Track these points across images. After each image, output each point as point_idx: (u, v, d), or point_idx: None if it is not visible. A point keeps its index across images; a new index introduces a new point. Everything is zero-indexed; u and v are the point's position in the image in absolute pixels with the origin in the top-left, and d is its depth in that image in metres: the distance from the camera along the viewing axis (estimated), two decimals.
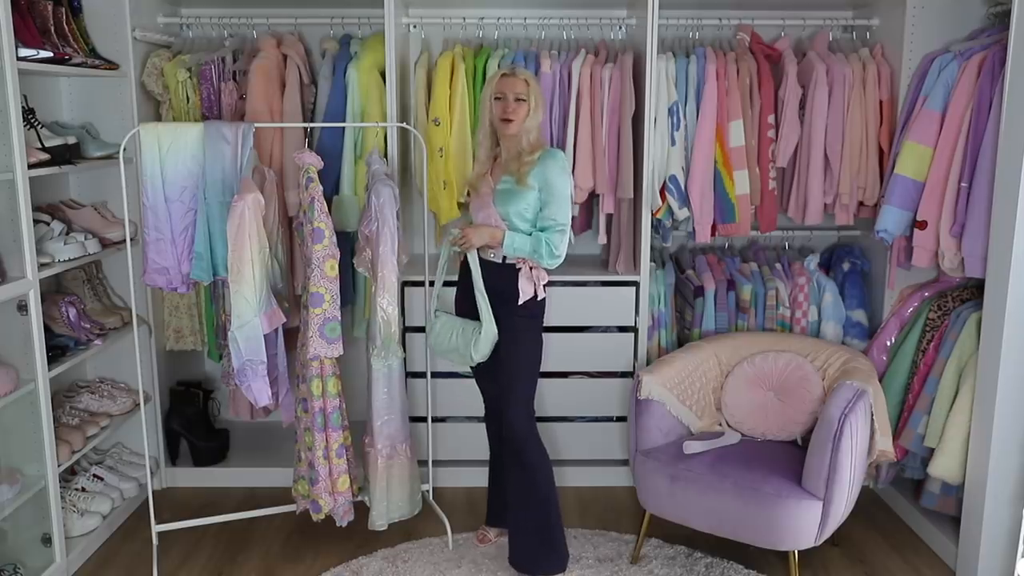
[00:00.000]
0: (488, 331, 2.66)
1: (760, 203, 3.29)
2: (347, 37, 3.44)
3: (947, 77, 2.83)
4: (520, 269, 2.66)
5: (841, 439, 2.48)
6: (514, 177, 2.63)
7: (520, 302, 2.66)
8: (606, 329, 3.31)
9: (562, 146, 3.25)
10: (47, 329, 2.74)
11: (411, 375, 3.26)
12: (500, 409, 2.73)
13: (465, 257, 2.72)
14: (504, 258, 2.67)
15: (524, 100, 2.61)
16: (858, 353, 3.01)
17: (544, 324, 2.81)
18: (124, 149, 2.65)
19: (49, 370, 2.68)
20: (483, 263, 2.69)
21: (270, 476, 3.39)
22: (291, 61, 3.27)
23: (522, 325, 2.70)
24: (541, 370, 2.78)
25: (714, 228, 3.29)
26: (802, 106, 3.24)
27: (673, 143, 3.17)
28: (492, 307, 2.66)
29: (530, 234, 2.63)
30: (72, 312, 2.94)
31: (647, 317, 3.31)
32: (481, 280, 2.66)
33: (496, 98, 2.64)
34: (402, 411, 2.87)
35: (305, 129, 3.17)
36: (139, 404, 3.05)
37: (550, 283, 2.74)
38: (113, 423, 3.12)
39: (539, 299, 2.70)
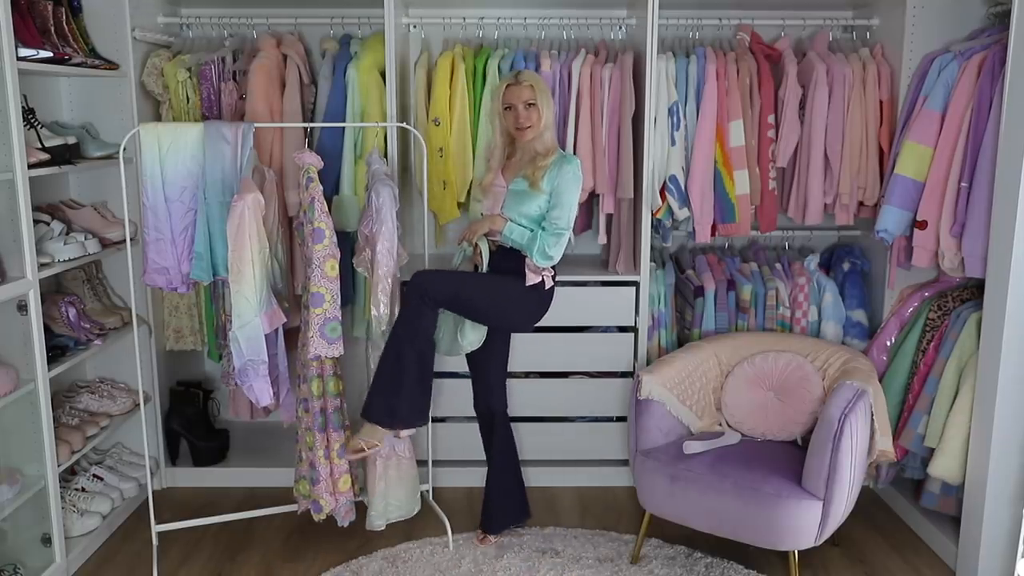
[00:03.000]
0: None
1: (760, 203, 3.29)
2: (347, 37, 3.44)
3: (947, 77, 2.83)
4: (527, 257, 2.71)
5: (841, 439, 2.49)
6: (528, 180, 2.68)
7: (527, 283, 2.72)
8: (606, 329, 3.31)
9: (562, 146, 3.25)
10: (47, 329, 2.74)
11: None
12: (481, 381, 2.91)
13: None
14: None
15: (535, 104, 2.66)
16: (858, 353, 3.01)
17: (544, 324, 2.82)
18: (124, 149, 2.65)
19: (49, 370, 2.68)
20: (495, 250, 2.75)
21: (270, 476, 3.39)
22: (291, 61, 3.27)
23: (531, 297, 2.74)
24: (540, 370, 2.79)
25: (714, 228, 3.29)
26: (802, 106, 3.24)
27: (673, 143, 3.17)
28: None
29: (532, 231, 2.68)
30: (72, 312, 2.94)
31: (647, 317, 3.31)
32: (486, 268, 2.73)
33: (506, 108, 2.69)
34: None
35: (305, 129, 3.17)
36: (139, 404, 3.05)
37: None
38: (113, 423, 3.12)
39: (547, 287, 2.76)
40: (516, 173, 2.75)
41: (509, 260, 2.74)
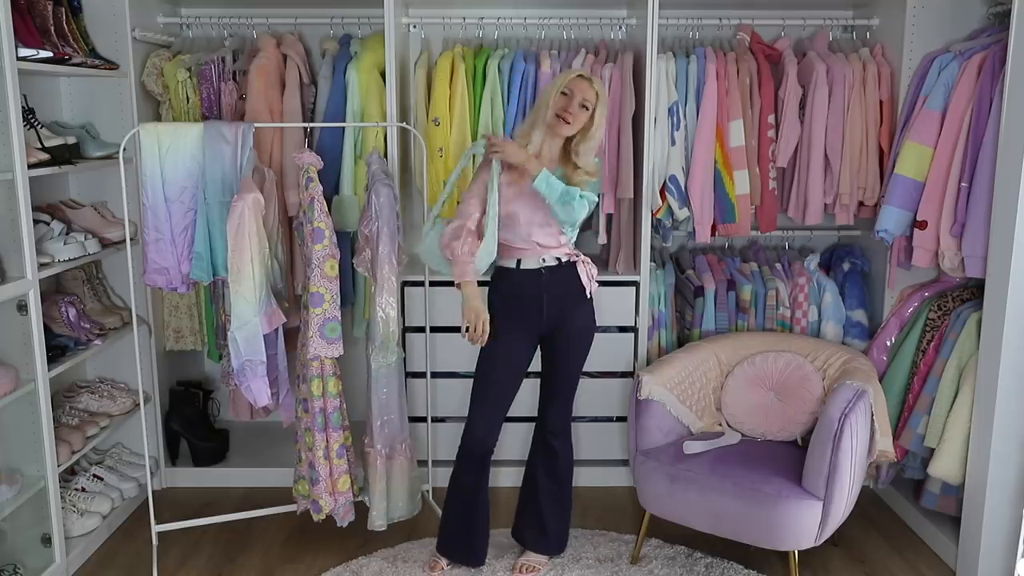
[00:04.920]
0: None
1: (760, 203, 3.29)
2: (347, 37, 3.44)
3: (947, 77, 2.83)
4: (576, 263, 2.62)
5: (841, 439, 2.48)
6: (566, 181, 2.53)
7: (587, 294, 2.65)
8: (606, 329, 3.31)
9: None
10: (47, 329, 2.74)
11: (411, 375, 3.27)
12: (544, 407, 2.78)
13: (499, 266, 2.63)
14: (559, 259, 2.59)
15: (587, 108, 2.48)
16: (858, 353, 3.01)
17: None
18: (124, 149, 2.64)
19: (49, 370, 2.68)
20: (542, 269, 2.59)
21: (270, 476, 3.39)
22: (291, 61, 3.27)
23: (591, 324, 2.71)
24: (540, 369, 2.78)
25: (714, 228, 3.29)
26: (802, 106, 3.24)
27: (673, 143, 3.17)
28: (562, 312, 2.61)
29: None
30: (72, 312, 2.94)
31: (647, 317, 3.31)
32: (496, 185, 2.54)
33: (562, 93, 2.48)
34: (401, 411, 2.87)
35: (305, 129, 3.17)
36: (139, 404, 3.05)
37: None
38: (113, 423, 3.12)
39: (596, 288, 2.70)
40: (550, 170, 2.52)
41: (562, 277, 2.60)
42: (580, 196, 2.47)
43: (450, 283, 3.13)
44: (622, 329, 3.31)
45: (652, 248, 3.32)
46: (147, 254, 2.71)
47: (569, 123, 2.48)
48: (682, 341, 3.40)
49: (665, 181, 3.19)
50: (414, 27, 3.54)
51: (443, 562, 2.81)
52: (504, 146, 2.49)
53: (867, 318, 3.35)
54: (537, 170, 2.46)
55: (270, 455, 3.52)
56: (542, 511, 2.79)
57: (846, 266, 3.44)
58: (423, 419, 3.23)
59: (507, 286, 2.63)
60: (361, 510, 2.93)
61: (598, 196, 2.61)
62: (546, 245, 2.58)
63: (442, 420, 3.35)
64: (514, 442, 3.27)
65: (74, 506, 2.96)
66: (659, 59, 3.13)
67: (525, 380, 2.73)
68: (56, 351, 2.80)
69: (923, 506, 3.04)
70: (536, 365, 2.76)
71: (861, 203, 3.31)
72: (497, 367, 2.64)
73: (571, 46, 3.42)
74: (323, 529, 3.03)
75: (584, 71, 2.56)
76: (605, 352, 3.29)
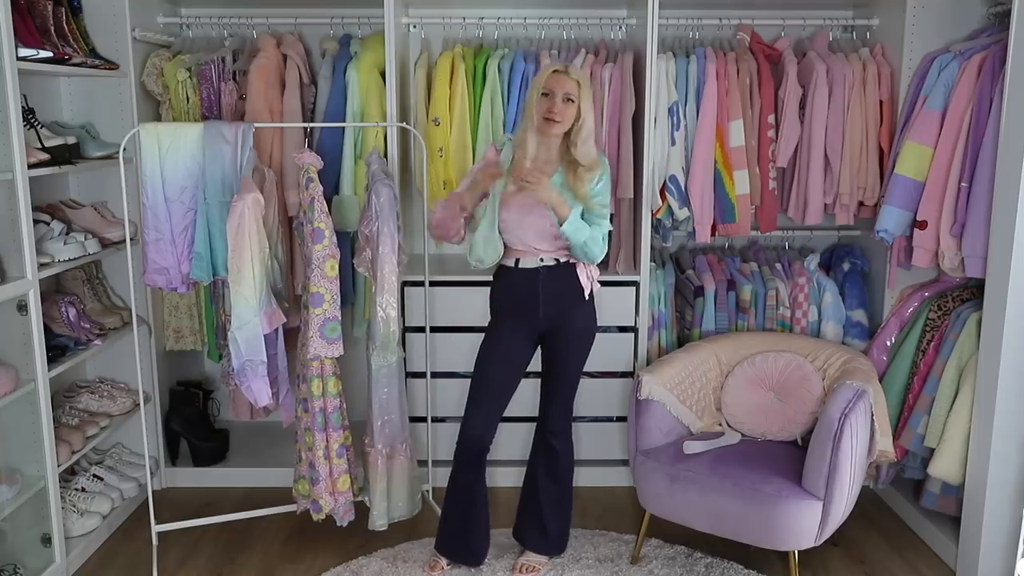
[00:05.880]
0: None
1: (760, 203, 3.29)
2: (347, 37, 3.44)
3: (947, 77, 2.83)
4: (576, 264, 2.60)
5: (841, 439, 2.48)
6: (567, 186, 2.50)
7: (586, 295, 2.63)
8: (606, 329, 3.31)
9: None
10: (47, 329, 2.74)
11: (411, 375, 3.26)
12: (544, 407, 2.77)
13: (499, 265, 2.63)
14: (557, 260, 2.58)
15: (573, 101, 2.45)
16: (858, 353, 3.01)
17: None
18: (124, 149, 2.64)
19: (49, 370, 2.68)
20: (539, 268, 2.58)
21: (270, 476, 3.39)
22: (291, 61, 3.27)
23: (591, 325, 2.70)
24: (539, 369, 2.78)
25: (714, 228, 3.29)
26: (802, 106, 3.24)
27: (673, 143, 3.17)
28: (560, 312, 2.61)
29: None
30: (72, 312, 2.94)
31: (647, 317, 3.31)
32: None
33: (543, 94, 2.46)
34: (402, 411, 2.87)
35: (305, 129, 3.17)
36: (139, 404, 3.05)
37: None
38: (113, 423, 3.12)
39: (597, 290, 2.68)
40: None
41: (560, 277, 2.59)
42: (602, 237, 2.49)
43: (450, 284, 3.14)
44: (622, 329, 3.31)
45: (652, 248, 3.32)
46: (147, 254, 2.71)
47: (558, 122, 2.46)
48: (682, 341, 3.40)
49: (665, 181, 3.19)
50: (414, 27, 3.54)
51: (443, 562, 2.81)
52: (539, 181, 2.41)
53: (867, 318, 3.35)
54: (567, 213, 2.44)
55: (270, 455, 3.52)
56: (542, 511, 2.79)
57: (846, 266, 3.44)
58: (423, 419, 3.23)
59: (505, 284, 2.64)
60: (361, 510, 2.93)
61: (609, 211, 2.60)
62: (542, 248, 2.58)
63: (442, 420, 3.35)
64: (514, 442, 3.27)
65: (74, 506, 2.96)
66: (659, 59, 3.13)
67: (525, 380, 2.73)
68: (56, 351, 2.80)
69: (923, 506, 3.04)
70: (536, 365, 2.76)
71: (861, 203, 3.31)
72: (495, 364, 2.65)
73: (571, 46, 3.42)
74: (323, 529, 3.03)
75: (558, 65, 2.51)
76: (605, 352, 3.29)
